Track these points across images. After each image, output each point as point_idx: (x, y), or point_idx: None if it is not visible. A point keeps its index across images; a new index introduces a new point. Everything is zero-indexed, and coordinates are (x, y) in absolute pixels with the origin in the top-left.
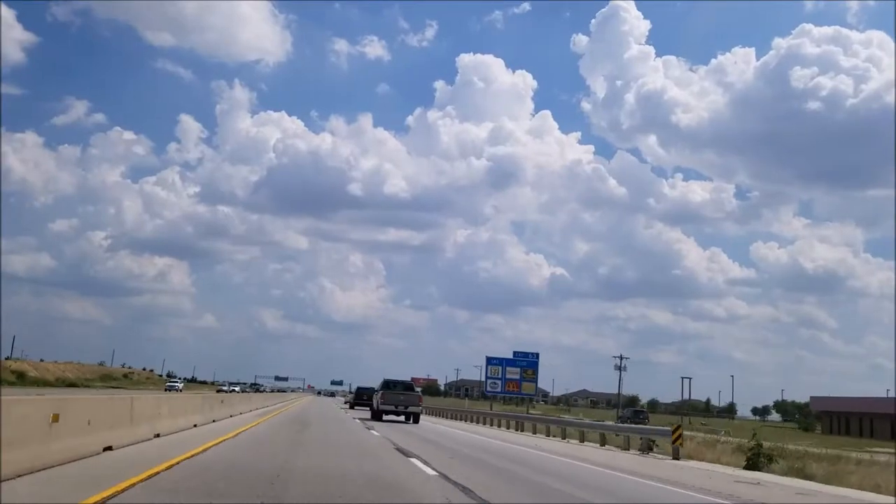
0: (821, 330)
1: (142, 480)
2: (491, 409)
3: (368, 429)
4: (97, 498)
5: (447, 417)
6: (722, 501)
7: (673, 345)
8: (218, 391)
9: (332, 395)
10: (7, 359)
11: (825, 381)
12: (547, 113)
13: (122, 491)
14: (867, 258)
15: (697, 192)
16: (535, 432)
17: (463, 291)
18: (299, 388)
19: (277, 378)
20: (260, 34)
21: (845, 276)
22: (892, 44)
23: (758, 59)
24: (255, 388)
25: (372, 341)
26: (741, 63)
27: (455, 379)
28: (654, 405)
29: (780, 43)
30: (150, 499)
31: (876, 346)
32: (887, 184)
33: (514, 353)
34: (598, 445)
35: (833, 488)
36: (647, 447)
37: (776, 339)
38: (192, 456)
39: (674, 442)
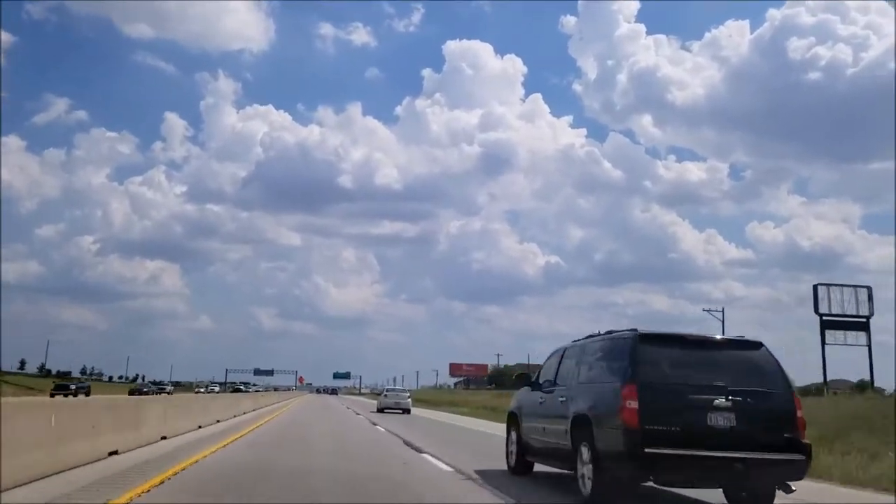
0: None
1: None
2: None
3: None
4: None
5: None
6: None
7: (671, 328)
8: None
9: (335, 392)
10: None
11: (827, 359)
12: (538, 96)
13: None
14: (863, 234)
15: (693, 171)
16: None
17: (459, 283)
18: (289, 387)
19: (259, 372)
20: (242, 22)
21: (843, 253)
22: (892, 9)
23: (752, 32)
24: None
25: (370, 336)
26: (736, 36)
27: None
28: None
29: (775, 14)
30: None
31: (874, 322)
32: (891, 156)
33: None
34: None
35: None
36: None
37: (775, 319)
38: None
39: None
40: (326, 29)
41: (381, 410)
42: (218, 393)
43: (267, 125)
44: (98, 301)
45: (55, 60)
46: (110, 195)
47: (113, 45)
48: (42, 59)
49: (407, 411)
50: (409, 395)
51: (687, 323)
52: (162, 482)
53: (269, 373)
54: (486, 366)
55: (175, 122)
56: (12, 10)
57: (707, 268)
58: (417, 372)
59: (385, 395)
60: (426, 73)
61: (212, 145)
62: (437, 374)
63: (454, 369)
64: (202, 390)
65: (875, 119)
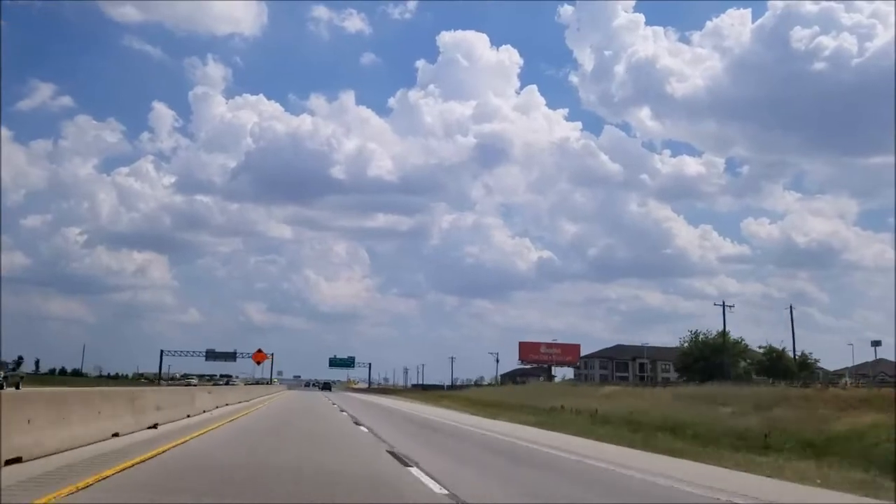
0: (811, 305)
1: None
2: None
3: None
4: None
5: None
6: None
7: (664, 325)
8: None
9: (328, 386)
10: None
11: (815, 356)
12: (533, 88)
13: None
14: (857, 231)
15: (691, 166)
16: None
17: (451, 277)
18: (259, 379)
19: (213, 356)
20: (233, 5)
21: (839, 250)
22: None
23: (754, 21)
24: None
25: (361, 331)
26: (737, 25)
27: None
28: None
29: (777, 3)
30: None
31: (867, 319)
32: (892, 150)
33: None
34: None
35: None
36: None
37: (767, 316)
38: None
39: None
40: (320, 13)
41: None
42: None
43: (257, 115)
44: (85, 293)
45: (39, 44)
46: (97, 186)
47: (98, 28)
48: (26, 43)
49: None
50: None
51: (679, 319)
52: None
53: (230, 356)
54: (578, 346)
55: (163, 112)
56: None
57: (702, 263)
58: (452, 358)
59: None
60: (420, 63)
61: (201, 135)
62: (498, 361)
63: (527, 351)
64: None
65: (878, 111)
